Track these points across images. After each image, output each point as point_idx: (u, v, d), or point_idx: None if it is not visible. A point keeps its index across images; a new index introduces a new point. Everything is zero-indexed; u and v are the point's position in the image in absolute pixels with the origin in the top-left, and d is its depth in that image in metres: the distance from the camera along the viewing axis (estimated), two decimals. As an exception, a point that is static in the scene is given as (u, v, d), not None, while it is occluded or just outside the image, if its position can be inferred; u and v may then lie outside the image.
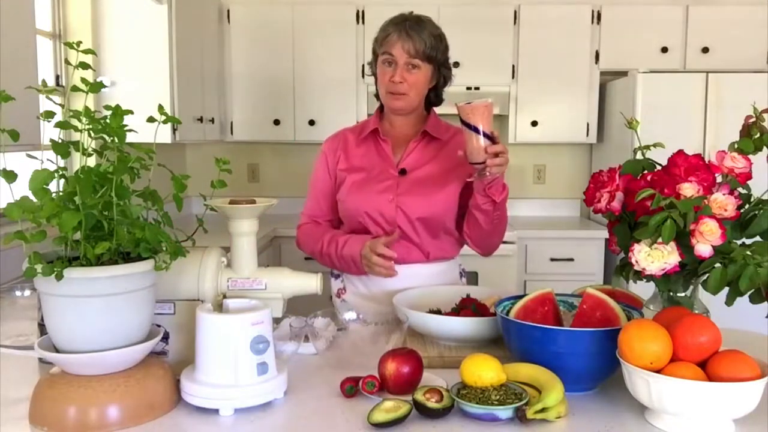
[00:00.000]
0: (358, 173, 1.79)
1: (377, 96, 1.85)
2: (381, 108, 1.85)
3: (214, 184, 1.23)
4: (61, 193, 1.03)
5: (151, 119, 1.15)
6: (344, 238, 1.75)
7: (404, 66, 1.70)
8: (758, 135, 1.20)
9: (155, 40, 2.94)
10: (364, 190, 1.76)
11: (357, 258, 1.70)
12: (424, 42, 1.69)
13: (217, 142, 3.78)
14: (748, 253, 1.11)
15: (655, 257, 1.12)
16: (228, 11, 3.73)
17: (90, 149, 1.08)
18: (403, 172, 1.77)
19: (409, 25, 1.70)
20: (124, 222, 1.05)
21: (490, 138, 1.50)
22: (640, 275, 1.17)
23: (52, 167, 1.03)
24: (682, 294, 1.26)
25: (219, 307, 1.21)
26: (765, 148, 1.20)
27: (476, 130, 1.49)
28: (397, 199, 1.73)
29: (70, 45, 1.09)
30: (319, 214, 1.88)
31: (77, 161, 1.06)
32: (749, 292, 1.12)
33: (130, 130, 1.09)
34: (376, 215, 1.74)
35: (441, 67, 1.77)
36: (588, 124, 3.79)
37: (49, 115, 1.05)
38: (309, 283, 1.32)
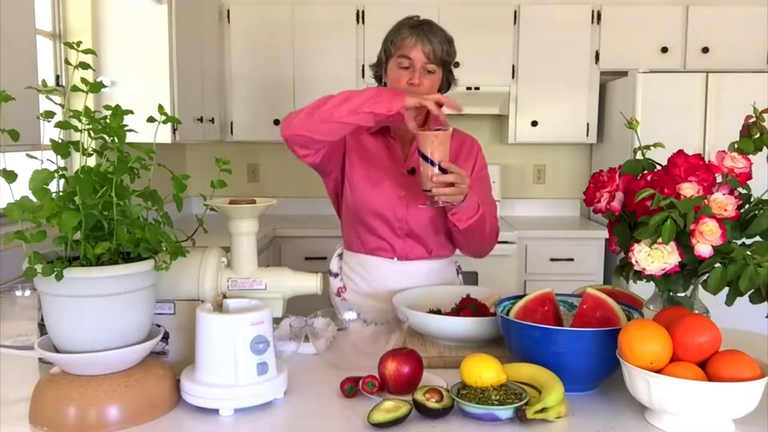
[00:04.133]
0: (367, 163, 1.79)
1: None
2: None
3: (214, 184, 1.23)
4: (61, 193, 1.03)
5: (151, 119, 1.15)
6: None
7: (420, 69, 1.70)
8: (758, 135, 1.20)
9: (155, 40, 2.94)
10: (375, 187, 1.78)
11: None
12: (441, 46, 1.70)
13: (217, 142, 3.77)
14: (748, 253, 1.11)
15: (655, 257, 1.12)
16: (228, 11, 3.73)
17: (90, 149, 1.08)
18: (412, 171, 1.79)
19: (426, 29, 1.71)
20: (124, 222, 1.05)
21: (441, 167, 1.50)
22: (640, 275, 1.17)
23: (52, 167, 1.03)
24: (682, 294, 1.26)
25: (219, 307, 1.21)
26: (765, 148, 1.20)
27: (425, 158, 1.50)
28: (408, 197, 1.76)
29: (70, 45, 1.09)
30: None
31: (77, 161, 1.06)
32: (749, 292, 1.12)
33: (130, 130, 1.09)
34: (387, 212, 1.76)
35: (449, 73, 1.79)
36: (588, 124, 3.79)
37: (49, 115, 1.05)
38: (309, 283, 1.32)
